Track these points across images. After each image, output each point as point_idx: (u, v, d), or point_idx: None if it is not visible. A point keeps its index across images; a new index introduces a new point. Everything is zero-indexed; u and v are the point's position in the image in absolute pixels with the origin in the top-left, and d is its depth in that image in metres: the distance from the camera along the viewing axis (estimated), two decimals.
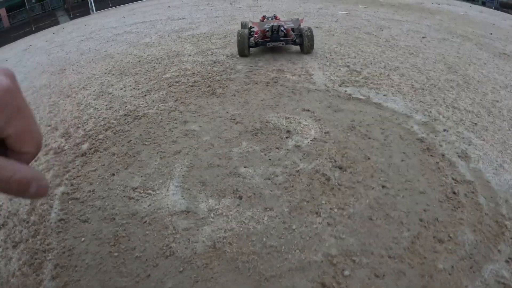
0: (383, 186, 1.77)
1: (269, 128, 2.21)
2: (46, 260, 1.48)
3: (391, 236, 1.51)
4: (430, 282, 1.34)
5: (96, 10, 12.89)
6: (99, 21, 8.67)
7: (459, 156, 2.09)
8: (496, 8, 12.65)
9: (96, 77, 3.58)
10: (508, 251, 1.63)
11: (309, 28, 3.47)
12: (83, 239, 1.57)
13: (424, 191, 1.77)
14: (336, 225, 1.55)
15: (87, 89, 3.26)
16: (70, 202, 1.82)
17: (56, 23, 12.09)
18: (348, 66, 3.18)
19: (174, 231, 1.54)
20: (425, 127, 2.32)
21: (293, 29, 3.51)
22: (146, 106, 2.66)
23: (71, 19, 12.23)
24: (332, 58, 3.38)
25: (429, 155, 2.01)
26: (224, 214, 1.62)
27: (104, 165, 2.05)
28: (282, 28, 3.31)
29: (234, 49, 3.77)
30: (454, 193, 1.79)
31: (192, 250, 1.45)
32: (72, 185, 1.93)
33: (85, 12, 12.62)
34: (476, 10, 9.23)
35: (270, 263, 1.39)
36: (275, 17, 4.15)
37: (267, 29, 3.32)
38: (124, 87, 3.11)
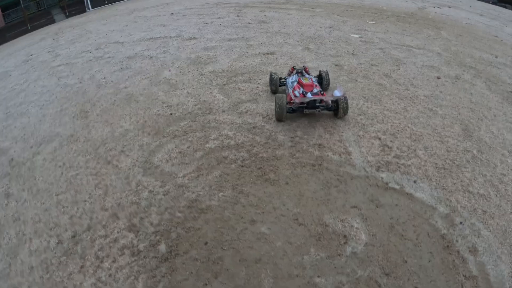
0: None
1: (329, 232, 2.49)
2: None
3: None
4: None
5: (92, 8, 12.18)
6: (100, 27, 8.30)
7: (469, 251, 2.50)
8: (493, 3, 13.36)
9: (130, 136, 3.57)
10: None
11: (345, 98, 3.64)
12: None
13: None
14: None
15: (127, 155, 3.26)
16: None
17: (52, 21, 11.90)
18: (379, 139, 3.45)
19: None
20: (446, 220, 2.70)
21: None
22: (205, 195, 2.79)
23: (67, 17, 11.62)
24: (363, 124, 3.64)
25: (448, 253, 2.41)
26: None
27: (192, 273, 2.28)
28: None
29: (266, 105, 4.07)
30: None
31: None
32: None
33: (81, 9, 12.25)
34: (476, 13, 9.68)
35: None
36: (305, 69, 4.33)
37: (306, 102, 3.58)
38: (170, 158, 3.18)
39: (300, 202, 2.78)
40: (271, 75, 4.55)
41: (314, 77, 4.47)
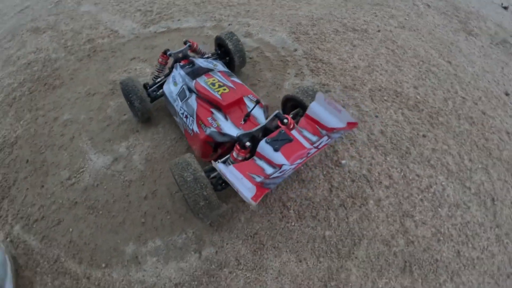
0: None
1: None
2: None
3: None
4: None
5: None
6: None
7: (245, 36, 3.18)
8: None
9: None
10: (293, 72, 2.86)
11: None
12: None
13: None
14: None
15: None
16: None
17: None
18: (140, 10, 3.73)
19: None
20: (216, 29, 3.34)
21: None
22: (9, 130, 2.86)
23: None
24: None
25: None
26: None
27: (29, 188, 2.43)
28: None
29: None
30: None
31: None
32: (23, 218, 2.32)
33: None
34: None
35: None
36: (192, 47, 2.57)
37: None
38: None
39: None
40: (126, 83, 2.38)
41: (213, 57, 2.60)
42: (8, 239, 2.26)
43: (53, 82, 2.96)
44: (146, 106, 2.18)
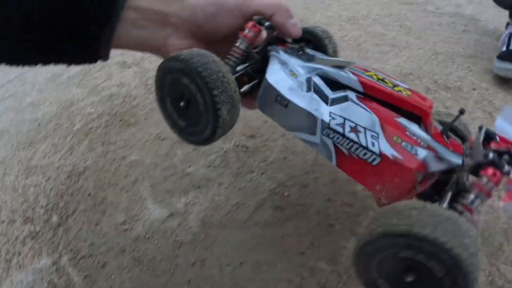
0: None
1: None
2: None
3: None
4: None
5: None
6: None
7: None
8: None
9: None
10: None
11: None
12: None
13: None
14: None
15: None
16: (81, 261, 2.27)
17: None
18: None
19: None
20: None
21: None
22: (80, 161, 2.93)
23: None
24: None
25: None
26: None
27: (84, 222, 2.46)
28: None
29: None
30: None
31: None
32: (72, 251, 2.36)
33: None
34: None
35: None
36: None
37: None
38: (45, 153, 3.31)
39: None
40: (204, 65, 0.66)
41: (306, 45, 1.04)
42: (54, 267, 2.28)
43: (128, 119, 3.10)
44: (236, 117, 0.81)
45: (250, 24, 0.84)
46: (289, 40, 1.04)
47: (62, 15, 0.61)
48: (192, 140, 0.85)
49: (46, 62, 0.69)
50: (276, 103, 0.82)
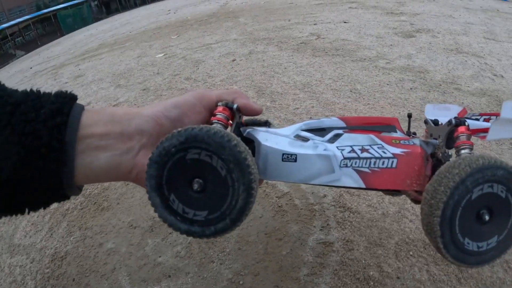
0: None
1: None
2: None
3: None
4: None
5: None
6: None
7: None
8: None
9: None
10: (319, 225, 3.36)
11: None
12: None
13: None
14: None
15: None
16: None
17: None
18: None
19: None
20: None
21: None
22: (61, 245, 3.48)
23: None
24: None
25: None
26: None
27: None
28: None
29: None
30: None
31: None
32: None
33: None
34: None
35: None
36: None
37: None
38: (25, 233, 3.72)
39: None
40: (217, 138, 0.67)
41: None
42: None
43: (102, 202, 3.59)
44: (254, 199, 0.71)
45: (220, 108, 0.85)
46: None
47: (24, 175, 0.63)
48: (221, 228, 0.74)
49: (12, 213, 0.72)
50: (284, 162, 0.84)
